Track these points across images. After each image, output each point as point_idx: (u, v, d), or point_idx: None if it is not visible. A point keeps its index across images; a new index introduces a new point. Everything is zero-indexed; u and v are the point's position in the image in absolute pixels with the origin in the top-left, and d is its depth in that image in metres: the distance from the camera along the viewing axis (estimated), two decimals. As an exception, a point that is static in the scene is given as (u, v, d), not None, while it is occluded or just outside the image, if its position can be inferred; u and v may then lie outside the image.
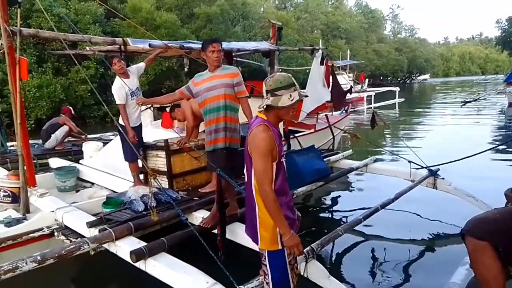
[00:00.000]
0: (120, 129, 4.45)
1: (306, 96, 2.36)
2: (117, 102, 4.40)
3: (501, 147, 9.52)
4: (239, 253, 3.32)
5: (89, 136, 8.26)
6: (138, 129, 4.62)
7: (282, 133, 3.73)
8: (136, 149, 4.11)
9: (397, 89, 26.53)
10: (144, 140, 4.74)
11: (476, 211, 4.80)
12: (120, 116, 4.47)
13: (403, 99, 25.33)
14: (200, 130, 5.20)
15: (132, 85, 4.49)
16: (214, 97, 3.48)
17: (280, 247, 2.24)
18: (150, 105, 6.69)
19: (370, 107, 20.44)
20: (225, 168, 3.25)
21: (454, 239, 4.62)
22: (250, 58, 14.18)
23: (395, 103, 24.12)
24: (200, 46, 4.81)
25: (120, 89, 4.36)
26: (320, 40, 24.99)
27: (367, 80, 32.82)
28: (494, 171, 7.77)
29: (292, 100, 2.18)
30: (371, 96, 23.32)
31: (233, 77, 3.51)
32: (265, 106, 2.22)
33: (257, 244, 2.32)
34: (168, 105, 6.21)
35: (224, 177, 3.17)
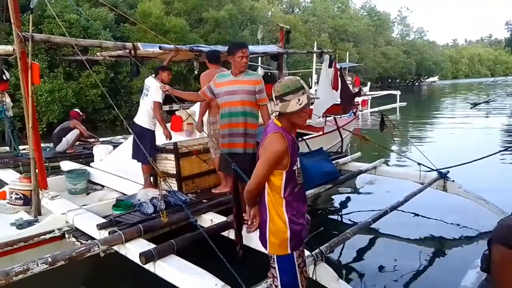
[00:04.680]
0: (130, 130, 4.49)
1: (318, 98, 2.34)
2: (157, 99, 4.48)
3: (511, 149, 9.40)
4: (248, 255, 3.32)
5: (99, 139, 8.34)
6: (154, 133, 4.68)
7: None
8: (152, 152, 4.26)
9: (398, 92, 24.36)
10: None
11: (486, 214, 4.77)
12: (142, 115, 4.57)
13: (405, 103, 23.37)
14: (198, 135, 5.16)
15: None
16: (234, 102, 3.47)
17: (289, 251, 2.24)
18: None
19: (363, 113, 19.86)
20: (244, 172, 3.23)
21: (464, 242, 4.58)
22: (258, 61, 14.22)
23: (396, 107, 22.19)
24: (209, 52, 4.77)
25: (160, 90, 4.47)
26: (315, 43, 24.32)
27: (369, 83, 31.45)
28: (505, 173, 7.68)
29: (300, 105, 2.13)
30: (367, 101, 21.73)
31: (256, 84, 3.51)
32: (277, 113, 2.20)
33: (266, 248, 2.32)
34: (176, 108, 6.28)
35: (239, 172, 3.14)
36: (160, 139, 4.93)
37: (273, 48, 6.61)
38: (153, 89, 4.50)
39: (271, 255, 2.29)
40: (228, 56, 3.55)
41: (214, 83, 3.62)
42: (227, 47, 3.72)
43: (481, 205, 4.90)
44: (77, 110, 7.88)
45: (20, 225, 3.75)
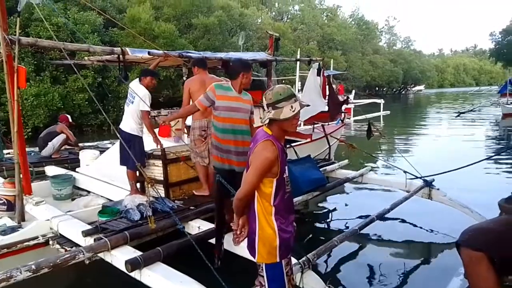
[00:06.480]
0: (119, 136, 4.46)
1: (308, 105, 2.36)
2: (145, 108, 4.46)
3: (495, 157, 9.60)
4: (235, 263, 3.32)
5: (86, 144, 8.23)
6: (142, 139, 4.65)
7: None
8: (141, 158, 4.34)
9: (381, 101, 24.14)
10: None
11: (470, 222, 4.81)
12: (129, 122, 4.54)
13: (388, 112, 23.23)
14: (186, 141, 5.15)
15: None
16: (239, 120, 3.46)
17: (278, 259, 2.25)
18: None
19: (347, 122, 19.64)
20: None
21: (449, 250, 4.63)
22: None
23: (380, 116, 21.89)
24: (197, 58, 4.77)
25: (149, 97, 4.49)
26: (299, 50, 24.28)
27: (353, 91, 31.26)
28: (489, 181, 7.82)
29: (293, 111, 2.17)
30: (351, 109, 20.75)
31: (252, 104, 3.62)
32: (268, 121, 2.22)
33: (254, 257, 2.32)
34: (165, 114, 6.24)
35: (224, 183, 3.16)
36: (148, 145, 4.91)
37: (262, 55, 6.66)
38: (144, 97, 4.46)
39: (260, 264, 2.29)
40: (241, 73, 3.47)
41: (213, 94, 3.47)
42: (241, 63, 3.72)
43: (465, 213, 4.97)
44: (67, 115, 7.78)
45: (3, 231, 3.68)
